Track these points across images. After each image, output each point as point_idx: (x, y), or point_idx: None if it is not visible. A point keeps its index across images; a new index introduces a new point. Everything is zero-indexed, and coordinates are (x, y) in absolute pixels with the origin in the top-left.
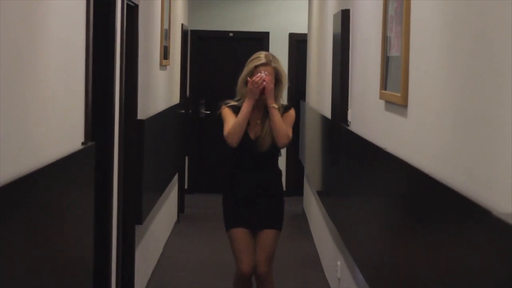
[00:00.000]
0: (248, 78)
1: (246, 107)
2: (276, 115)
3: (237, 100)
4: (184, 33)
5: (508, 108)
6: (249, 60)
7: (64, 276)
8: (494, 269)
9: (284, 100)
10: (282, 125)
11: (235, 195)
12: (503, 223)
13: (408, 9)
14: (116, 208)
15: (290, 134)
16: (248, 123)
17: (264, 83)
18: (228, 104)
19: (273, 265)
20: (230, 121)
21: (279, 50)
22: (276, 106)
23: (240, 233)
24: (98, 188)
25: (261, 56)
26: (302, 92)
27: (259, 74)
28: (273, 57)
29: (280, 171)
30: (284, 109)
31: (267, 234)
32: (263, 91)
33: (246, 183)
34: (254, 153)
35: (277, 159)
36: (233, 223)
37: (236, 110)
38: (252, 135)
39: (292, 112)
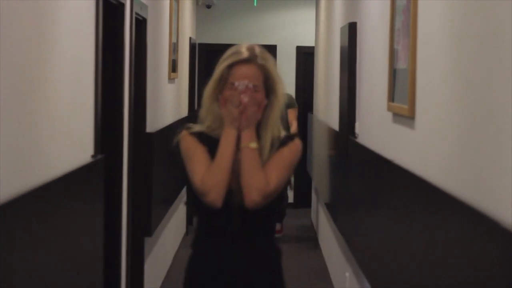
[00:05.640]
0: (229, 88)
1: (227, 142)
2: (249, 157)
3: (210, 126)
4: (192, 46)
5: None
6: (224, 56)
7: None
8: (502, 280)
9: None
10: (255, 171)
11: None
12: (511, 234)
13: (415, 22)
14: (125, 220)
15: (272, 184)
16: None
17: (245, 99)
18: (192, 130)
19: None
20: (202, 160)
21: (287, 63)
22: (254, 146)
23: None
24: (108, 200)
25: (241, 50)
26: (310, 105)
27: (235, 83)
28: (262, 51)
29: (279, 251)
30: (283, 142)
31: None
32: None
33: (216, 272)
34: (234, 212)
35: (274, 227)
36: None
37: (204, 139)
38: (231, 181)
39: (292, 147)
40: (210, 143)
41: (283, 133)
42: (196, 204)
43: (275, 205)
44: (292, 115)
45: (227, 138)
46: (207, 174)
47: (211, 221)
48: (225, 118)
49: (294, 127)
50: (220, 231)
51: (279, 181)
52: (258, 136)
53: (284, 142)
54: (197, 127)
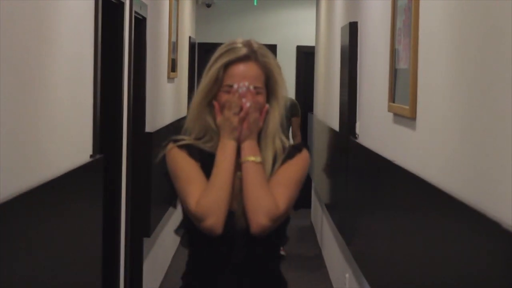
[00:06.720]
0: (224, 92)
1: (226, 155)
2: (253, 173)
3: (199, 138)
4: (192, 45)
5: None
6: (216, 54)
7: None
8: (502, 280)
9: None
10: (262, 190)
11: None
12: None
13: (416, 22)
14: (124, 221)
15: (281, 206)
16: None
17: (247, 104)
18: (180, 143)
19: None
20: (195, 178)
21: (287, 62)
22: (258, 160)
23: None
24: (107, 200)
25: (237, 46)
26: (310, 104)
27: (234, 85)
28: (260, 46)
29: (285, 283)
30: (288, 154)
31: None
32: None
33: None
34: (237, 239)
35: (278, 254)
36: None
37: (195, 153)
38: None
39: (300, 159)
40: (203, 157)
41: (287, 143)
42: (190, 231)
43: (282, 228)
44: (296, 124)
45: (225, 151)
46: (204, 195)
47: (210, 251)
48: (222, 127)
49: (298, 139)
50: (220, 261)
51: (289, 202)
52: (259, 148)
53: (290, 154)
54: (184, 139)
